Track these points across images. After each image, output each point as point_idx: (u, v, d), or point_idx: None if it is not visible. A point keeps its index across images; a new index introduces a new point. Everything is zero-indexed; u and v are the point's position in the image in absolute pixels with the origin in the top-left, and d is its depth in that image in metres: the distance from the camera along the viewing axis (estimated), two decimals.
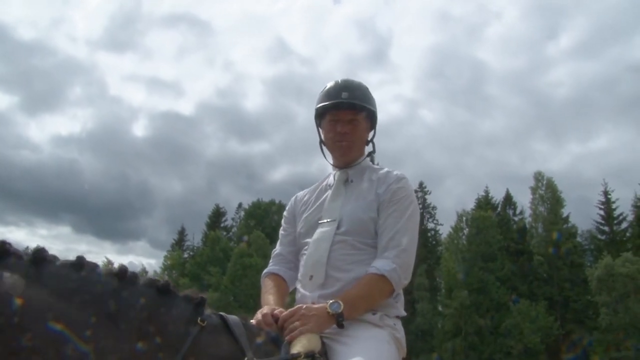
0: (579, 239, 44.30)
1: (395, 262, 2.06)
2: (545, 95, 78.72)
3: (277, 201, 53.76)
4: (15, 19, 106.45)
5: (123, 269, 1.56)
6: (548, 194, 44.17)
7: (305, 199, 2.46)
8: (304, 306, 1.94)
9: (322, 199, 2.36)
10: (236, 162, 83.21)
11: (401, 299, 2.21)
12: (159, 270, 47.92)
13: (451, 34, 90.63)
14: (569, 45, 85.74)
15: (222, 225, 54.16)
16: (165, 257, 49.39)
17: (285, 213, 2.52)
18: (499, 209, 46.60)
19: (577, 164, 75.07)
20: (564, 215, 43.61)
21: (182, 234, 54.64)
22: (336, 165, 2.41)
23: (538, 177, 44.90)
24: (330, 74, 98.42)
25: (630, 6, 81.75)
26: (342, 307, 1.91)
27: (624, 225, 43.85)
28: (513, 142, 77.75)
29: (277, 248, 2.47)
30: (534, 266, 41.32)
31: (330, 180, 2.42)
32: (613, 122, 76.08)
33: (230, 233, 53.65)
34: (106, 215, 77.24)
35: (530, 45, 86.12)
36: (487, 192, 47.73)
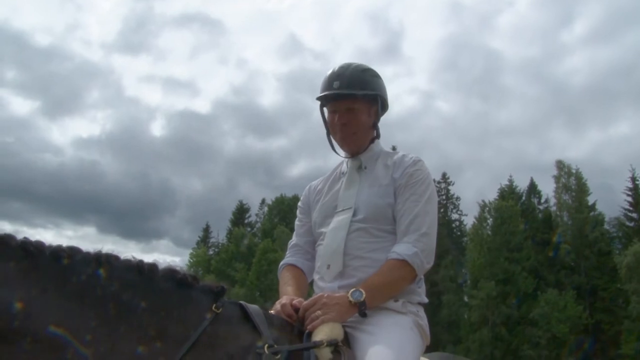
0: (606, 226, 43.63)
1: (416, 246, 2.01)
2: (562, 83, 77.69)
3: (300, 196, 53.66)
4: (31, 26, 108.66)
5: (140, 264, 1.55)
6: (572, 182, 43.58)
7: (319, 187, 2.41)
8: (325, 294, 1.89)
9: (336, 188, 2.31)
10: (254, 158, 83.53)
11: (423, 285, 2.18)
12: (184, 267, 48.39)
13: (463, 24, 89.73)
14: (584, 31, 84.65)
15: (246, 221, 54.53)
16: (191, 254, 49.98)
17: (299, 203, 2.49)
18: (523, 199, 46.10)
19: (597, 151, 73.81)
20: (590, 203, 43.00)
21: (206, 231, 55.18)
22: (346, 155, 2.35)
23: (560, 165, 44.31)
24: None
25: None
26: (364, 295, 1.87)
27: None
28: (531, 131, 76.63)
29: (293, 239, 2.43)
30: (561, 255, 40.85)
31: (344, 167, 2.36)
32: (633, 107, 74.46)
33: (254, 229, 53.98)
34: (129, 215, 78.51)
35: (544, 33, 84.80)
36: (511, 181, 47.25)
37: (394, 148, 2.30)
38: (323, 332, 1.78)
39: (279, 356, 1.59)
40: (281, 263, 2.38)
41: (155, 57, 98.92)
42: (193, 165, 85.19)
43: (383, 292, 1.96)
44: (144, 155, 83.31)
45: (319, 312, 1.81)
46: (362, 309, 1.87)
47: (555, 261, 40.41)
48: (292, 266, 2.33)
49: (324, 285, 2.12)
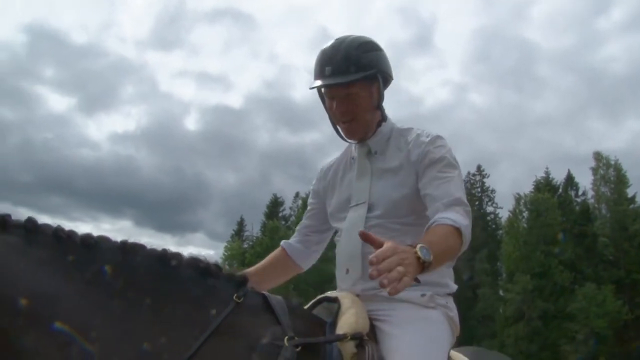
0: None
1: (466, 218, 1.79)
2: (598, 72, 74.80)
3: None
4: (67, 25, 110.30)
5: (164, 253, 1.53)
6: (610, 173, 42.67)
7: (331, 173, 2.21)
8: (400, 247, 1.45)
9: (349, 176, 2.12)
10: (288, 152, 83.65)
11: (452, 272, 2.02)
12: (219, 260, 49.21)
13: (496, 15, 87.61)
14: (621, 18, 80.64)
15: (280, 214, 54.90)
16: (226, 247, 50.66)
17: (312, 186, 2.30)
18: (560, 191, 45.32)
19: (637, 141, 71.75)
20: (629, 195, 42.03)
21: (241, 224, 55.80)
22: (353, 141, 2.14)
23: (598, 157, 43.38)
24: None
25: None
26: (432, 255, 1.50)
27: None
28: (567, 122, 74.61)
29: (303, 220, 2.32)
30: (599, 248, 40.09)
31: (354, 151, 2.14)
32: None
33: (289, 222, 54.28)
34: (164, 209, 79.44)
35: (579, 21, 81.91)
36: (547, 173, 46.45)
37: None
38: (348, 324, 1.67)
39: (299, 348, 1.51)
40: (281, 242, 2.30)
41: (188, 52, 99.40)
42: (226, 159, 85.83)
43: (443, 257, 1.64)
44: (178, 150, 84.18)
45: (401, 268, 1.37)
46: (426, 271, 1.51)
47: (593, 254, 39.67)
48: (280, 247, 2.27)
49: (344, 288, 1.96)
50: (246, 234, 55.17)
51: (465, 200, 1.85)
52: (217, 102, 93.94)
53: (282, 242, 2.27)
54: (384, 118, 2.08)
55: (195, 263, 1.57)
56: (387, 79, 2.07)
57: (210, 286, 1.57)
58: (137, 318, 1.39)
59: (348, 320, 1.68)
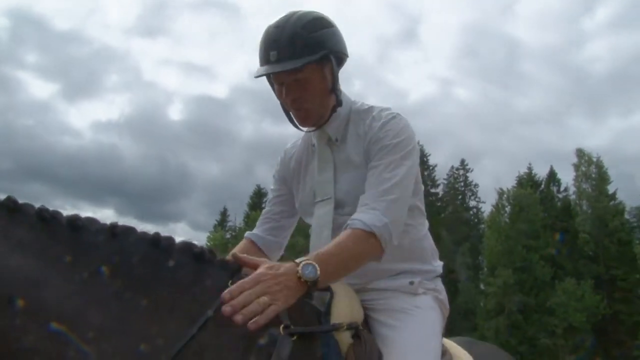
0: (626, 216, 43.17)
1: (386, 215, 1.65)
2: (582, 70, 76.10)
3: None
4: (51, 10, 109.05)
5: (157, 237, 1.45)
6: (592, 170, 43.20)
7: (293, 162, 2.06)
8: (265, 266, 1.40)
9: (311, 167, 1.98)
10: (271, 143, 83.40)
11: (435, 253, 1.98)
12: None
13: (483, 11, 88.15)
14: (606, 18, 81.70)
15: (263, 205, 54.34)
16: (208, 237, 50.41)
17: (274, 174, 2.14)
18: (542, 187, 45.73)
19: (618, 140, 72.77)
20: (610, 192, 42.57)
21: (224, 214, 55.55)
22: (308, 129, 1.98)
23: (580, 154, 43.94)
24: (360, 54, 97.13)
25: None
26: (318, 272, 1.42)
27: None
28: (551, 119, 75.71)
29: (267, 206, 2.15)
30: (580, 244, 40.55)
31: (313, 138, 1.99)
32: None
33: None
34: (147, 198, 79.14)
35: (565, 19, 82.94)
36: (530, 169, 46.82)
37: None
38: (344, 313, 1.62)
39: (294, 338, 1.44)
40: (245, 234, 2.12)
41: (173, 41, 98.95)
42: (210, 150, 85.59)
43: (340, 270, 1.58)
44: (162, 139, 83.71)
45: (264, 298, 1.30)
46: (312, 290, 1.45)
47: (574, 250, 40.12)
48: (248, 240, 2.07)
49: None
50: (229, 224, 54.93)
51: (394, 188, 1.70)
52: (201, 92, 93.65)
53: (248, 234, 2.10)
54: (338, 103, 1.88)
55: (188, 248, 1.49)
56: (341, 58, 1.89)
57: (204, 272, 1.49)
58: (127, 304, 1.33)
59: (343, 310, 1.63)
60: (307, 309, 1.62)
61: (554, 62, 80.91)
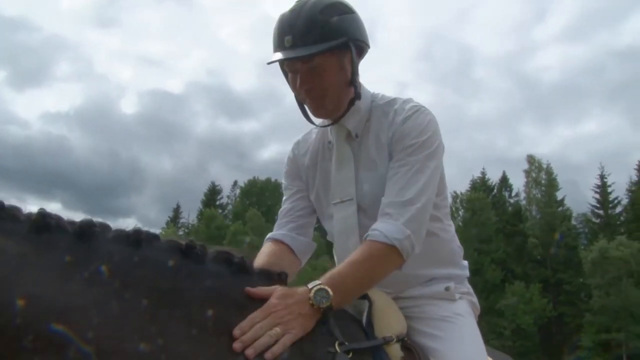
0: (573, 222, 44.60)
1: (408, 226, 1.53)
2: (534, 78, 79.05)
3: (273, 180, 53.68)
4: None
5: (191, 245, 1.29)
6: (542, 177, 44.48)
7: (307, 159, 1.89)
8: (277, 295, 1.33)
9: (326, 164, 1.83)
10: (226, 140, 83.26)
11: (461, 252, 1.91)
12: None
13: (438, 16, 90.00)
14: (558, 29, 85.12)
15: (217, 203, 54.09)
16: (160, 234, 49.15)
17: (286, 170, 1.96)
18: (494, 191, 46.73)
19: (565, 148, 75.59)
20: (559, 198, 43.92)
21: (177, 211, 54.55)
22: (324, 122, 1.83)
23: (531, 160, 45.22)
24: None
25: None
26: (331, 297, 1.36)
27: (619, 209, 44.20)
28: (502, 125, 78.16)
29: (285, 205, 1.93)
30: (529, 248, 41.60)
31: (330, 134, 1.83)
32: (601, 107, 76.92)
33: (226, 211, 53.62)
34: (96, 192, 77.07)
35: (518, 28, 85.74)
36: (483, 173, 47.77)
37: None
38: (389, 325, 1.52)
39: (350, 355, 1.34)
40: (266, 237, 1.90)
41: (129, 33, 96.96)
42: (163, 145, 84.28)
43: (357, 289, 1.50)
44: (114, 133, 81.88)
45: (277, 329, 1.26)
46: (327, 316, 1.37)
47: (523, 254, 41.13)
48: (276, 241, 1.85)
49: None
50: (182, 221, 53.98)
51: (420, 195, 1.58)
52: (156, 86, 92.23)
53: (277, 235, 1.87)
54: (357, 96, 1.71)
55: (226, 257, 1.32)
56: (362, 47, 1.72)
57: (248, 283, 1.34)
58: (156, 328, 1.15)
59: (388, 321, 1.54)
60: (351, 321, 1.51)
61: (506, 69, 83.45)
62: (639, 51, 74.17)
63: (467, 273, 1.90)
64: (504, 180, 47.86)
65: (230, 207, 54.37)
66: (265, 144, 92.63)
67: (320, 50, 1.58)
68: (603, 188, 44.18)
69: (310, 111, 1.75)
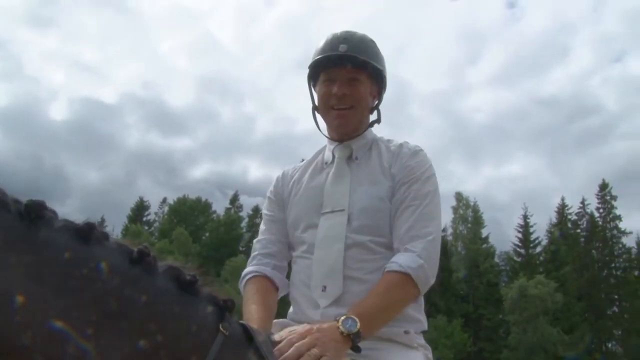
0: (496, 259, 46.11)
1: (422, 256, 1.64)
2: (464, 118, 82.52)
3: (203, 199, 52.60)
4: None
5: (142, 252, 1.16)
6: (468, 214, 45.89)
7: (295, 177, 1.96)
8: (315, 327, 1.42)
9: (319, 181, 1.89)
10: (157, 155, 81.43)
11: (422, 306, 1.84)
12: None
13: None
14: (489, 73, 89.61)
15: (144, 219, 52.32)
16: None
17: (269, 194, 2.00)
18: None
19: (490, 187, 78.74)
20: (483, 235, 45.37)
21: (101, 225, 51.83)
22: (333, 138, 1.93)
23: (459, 197, 46.69)
24: (259, 75, 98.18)
25: (544, 45, 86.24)
26: (358, 325, 1.44)
27: (539, 249, 46.13)
28: (432, 161, 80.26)
29: (263, 236, 1.94)
30: (453, 283, 42.51)
31: (327, 156, 1.93)
32: (525, 150, 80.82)
33: (152, 228, 51.94)
34: None
35: (452, 69, 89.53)
36: None
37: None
38: None
39: None
40: (245, 271, 1.88)
41: (64, 36, 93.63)
42: (91, 155, 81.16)
43: (380, 318, 1.58)
44: (39, 137, 78.19)
45: (315, 350, 1.33)
46: (356, 342, 1.44)
47: (447, 288, 41.96)
48: (261, 277, 1.83)
49: (315, 312, 1.71)
50: None
51: (429, 229, 1.70)
52: (88, 94, 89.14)
53: (261, 271, 1.84)
54: (378, 119, 1.95)
55: (175, 273, 1.20)
56: (386, 86, 1.93)
57: (195, 308, 1.21)
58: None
59: None
60: None
61: (438, 108, 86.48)
62: (560, 100, 79.11)
63: (425, 326, 1.81)
64: None
65: (157, 224, 52.79)
66: (197, 163, 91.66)
67: (372, 63, 1.81)
68: (525, 228, 46.04)
69: (332, 123, 1.88)
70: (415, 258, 1.63)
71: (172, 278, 1.19)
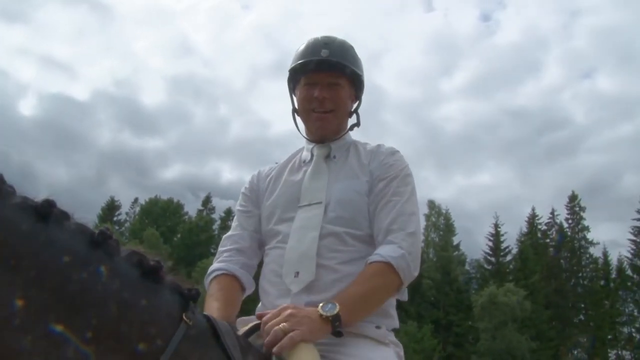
0: (466, 267, 46.65)
1: (403, 247, 1.67)
2: (436, 127, 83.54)
3: (175, 200, 52.07)
4: None
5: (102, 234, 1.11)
6: (440, 222, 46.39)
7: (272, 175, 1.99)
8: (291, 305, 1.48)
9: (297, 178, 1.92)
10: (128, 155, 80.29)
11: (394, 304, 1.83)
12: None
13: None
14: (462, 83, 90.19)
15: (115, 219, 51.51)
16: None
17: (244, 190, 2.02)
18: None
19: (461, 195, 79.65)
20: (455, 243, 45.90)
21: None
22: (312, 140, 1.97)
23: (431, 205, 47.18)
24: (231, 78, 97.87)
25: (517, 58, 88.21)
26: (337, 308, 1.47)
27: (509, 257, 46.83)
28: None
29: (235, 231, 1.94)
30: (424, 290, 42.83)
31: (305, 155, 1.97)
32: (495, 160, 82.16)
33: (123, 228, 51.15)
34: None
35: (426, 78, 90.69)
36: None
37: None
38: None
39: None
40: (212, 267, 1.86)
41: (34, 31, 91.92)
42: (61, 153, 79.67)
43: (362, 305, 1.60)
44: (7, 133, 75.93)
45: (284, 324, 1.38)
46: (336, 325, 1.47)
47: (417, 295, 42.25)
48: (227, 276, 1.81)
49: (285, 301, 1.66)
50: None
51: (410, 222, 1.74)
52: (59, 91, 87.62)
53: (227, 269, 1.82)
54: (358, 123, 2.01)
55: (138, 258, 1.16)
56: (361, 91, 2.00)
57: (158, 295, 1.17)
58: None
59: (300, 355, 1.43)
60: (262, 357, 1.41)
61: (412, 116, 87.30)
62: (530, 113, 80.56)
63: (397, 324, 1.81)
64: None
65: (128, 224, 52.02)
66: (168, 164, 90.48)
67: (352, 67, 1.87)
68: (496, 236, 46.70)
69: (312, 125, 1.93)
70: (396, 248, 1.66)
71: (135, 263, 1.15)
